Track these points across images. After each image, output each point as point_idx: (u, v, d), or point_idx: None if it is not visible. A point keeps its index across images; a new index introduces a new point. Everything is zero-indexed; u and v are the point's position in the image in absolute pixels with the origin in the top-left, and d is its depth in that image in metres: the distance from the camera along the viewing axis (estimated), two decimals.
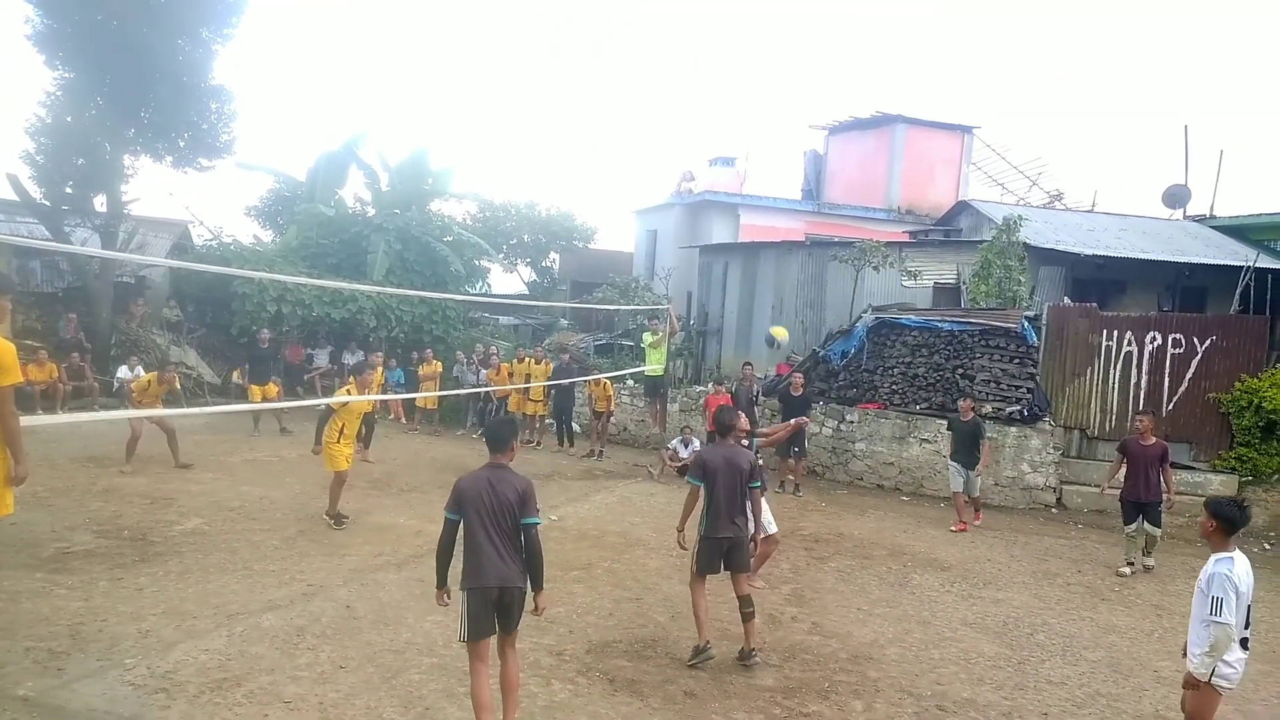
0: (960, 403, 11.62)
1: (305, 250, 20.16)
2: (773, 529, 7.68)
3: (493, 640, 4.81)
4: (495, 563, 4.69)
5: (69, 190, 16.83)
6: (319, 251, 20.18)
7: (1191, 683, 4.73)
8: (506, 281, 33.81)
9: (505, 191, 34.74)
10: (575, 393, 16.00)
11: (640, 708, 5.38)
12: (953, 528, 11.00)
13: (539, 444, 15.71)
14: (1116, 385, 13.19)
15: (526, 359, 16.60)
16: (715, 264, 22.55)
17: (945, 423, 12.10)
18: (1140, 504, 9.43)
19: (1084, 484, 12.92)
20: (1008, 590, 8.58)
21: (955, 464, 11.25)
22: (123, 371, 16.18)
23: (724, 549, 6.13)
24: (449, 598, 4.88)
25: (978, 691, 6.01)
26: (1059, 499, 12.81)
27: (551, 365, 16.23)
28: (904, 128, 25.85)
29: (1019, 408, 12.92)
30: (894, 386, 13.94)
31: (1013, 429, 12.89)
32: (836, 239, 20.79)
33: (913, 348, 13.89)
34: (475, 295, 22.39)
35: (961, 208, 22.51)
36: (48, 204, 16.81)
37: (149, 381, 11.72)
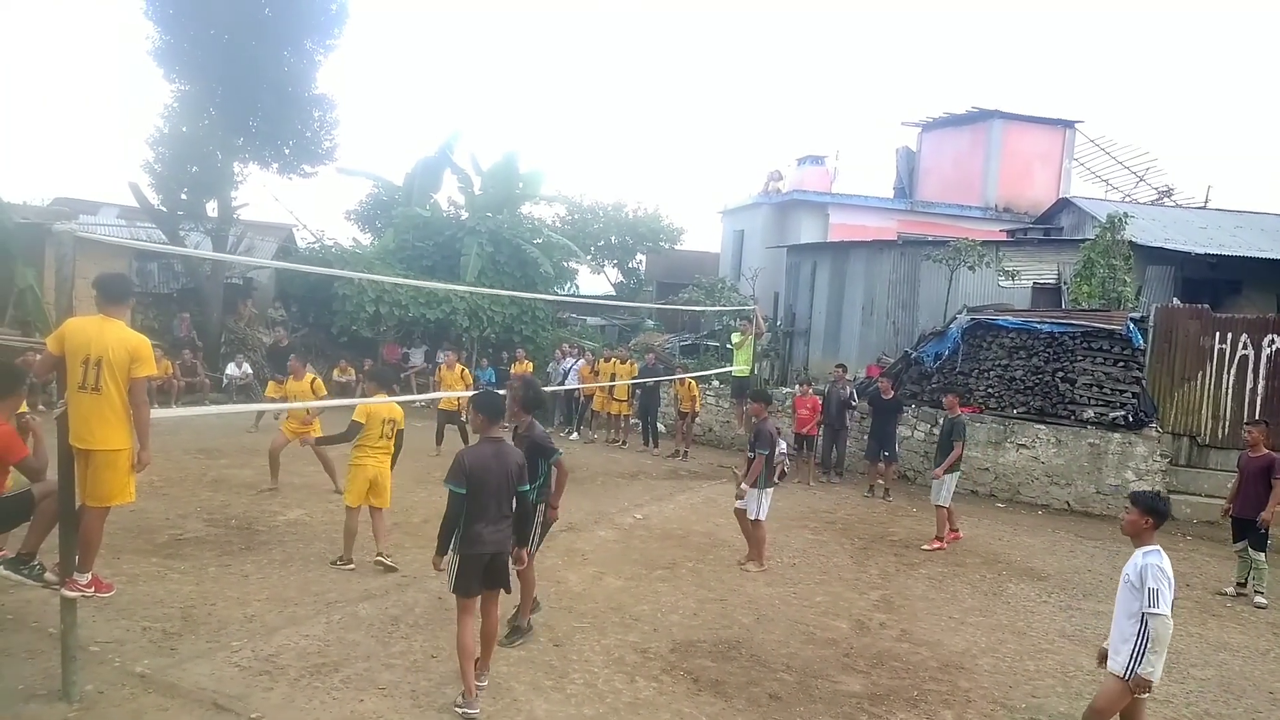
0: (945, 398, 10.76)
1: (402, 252, 20.81)
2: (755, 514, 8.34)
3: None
4: (492, 531, 5.10)
5: (184, 196, 17.78)
6: (415, 254, 20.79)
7: (1141, 685, 4.59)
8: (594, 282, 34.16)
9: (593, 193, 35.07)
10: (660, 393, 16.06)
11: (724, 708, 5.37)
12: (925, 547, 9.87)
13: (624, 443, 15.82)
14: (1230, 391, 12.49)
15: (612, 359, 16.74)
16: (803, 264, 22.31)
17: (1042, 427, 11.60)
18: (1241, 521, 8.80)
19: (1194, 494, 12.29)
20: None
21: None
22: (231, 368, 17.02)
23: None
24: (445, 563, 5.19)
25: (1076, 706, 5.78)
26: None
27: (637, 365, 16.32)
28: (1001, 123, 25.08)
29: (1123, 413, 12.38)
30: (989, 390, 13.53)
31: (1116, 435, 12.36)
32: (930, 238, 20.33)
33: (1010, 350, 13.46)
34: (564, 296, 22.68)
35: (1062, 205, 21.71)
36: (164, 209, 17.80)
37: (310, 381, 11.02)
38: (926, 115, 27.19)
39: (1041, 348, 13.13)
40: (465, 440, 12.85)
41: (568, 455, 12.54)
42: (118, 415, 4.77)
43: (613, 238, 31.84)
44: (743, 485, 8.36)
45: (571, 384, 16.01)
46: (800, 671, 6.02)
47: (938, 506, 9.89)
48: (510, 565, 5.39)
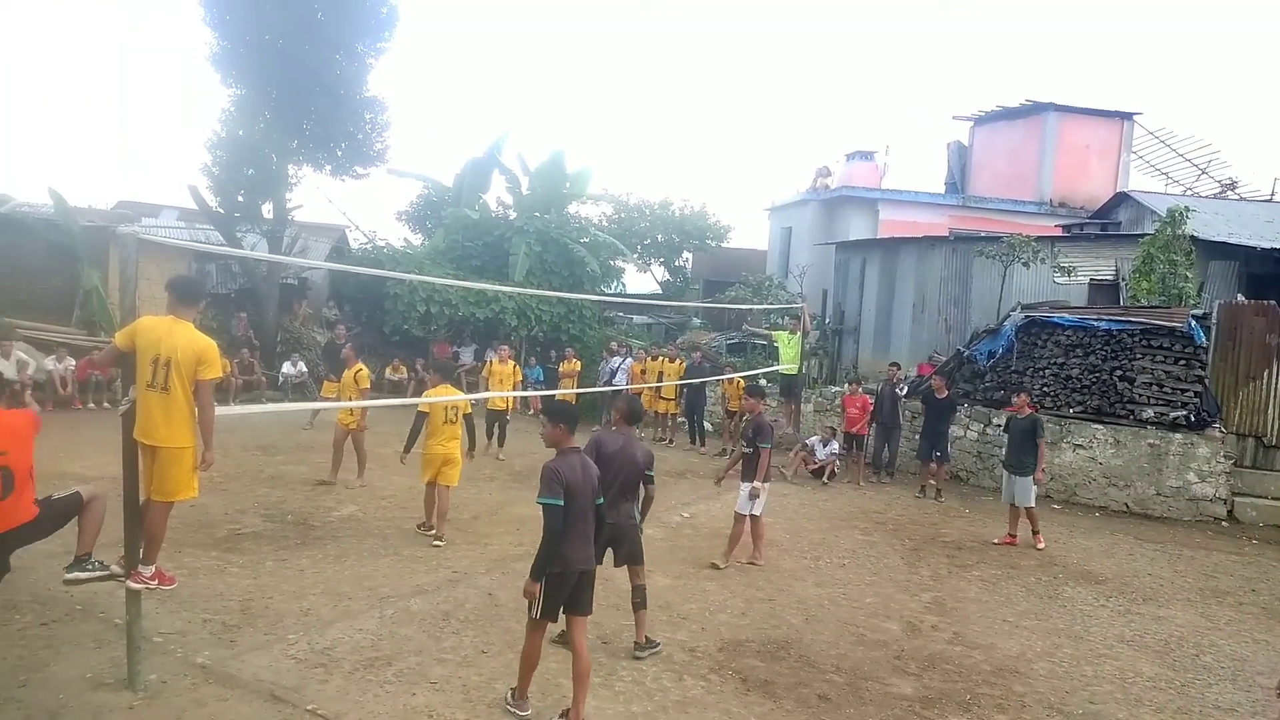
0: (1016, 397, 10.43)
1: (452, 253, 21.07)
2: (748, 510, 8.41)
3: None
4: (583, 547, 4.91)
5: (241, 199, 18.21)
6: (464, 254, 21.04)
7: None
8: (640, 281, 34.22)
9: (640, 192, 35.05)
10: (707, 391, 16.02)
11: (773, 709, 5.35)
12: (998, 542, 9.87)
13: (671, 442, 15.82)
14: None
15: (660, 357, 16.76)
16: (852, 261, 22.09)
17: (1099, 427, 11.31)
18: None
19: (1260, 496, 11.91)
20: (1170, 607, 8.02)
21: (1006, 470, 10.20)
22: (286, 367, 17.40)
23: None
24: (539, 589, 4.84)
25: (1135, 713, 5.66)
26: (1230, 511, 11.84)
27: (684, 364, 16.31)
28: (1056, 116, 24.58)
29: (1184, 413, 12.04)
30: (1045, 388, 13.24)
31: (1177, 435, 12.01)
32: (983, 234, 20.01)
33: (1066, 348, 13.16)
34: (610, 295, 22.76)
35: (1120, 199, 21.17)
36: (222, 212, 18.24)
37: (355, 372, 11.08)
38: (978, 109, 26.77)
39: (1099, 346, 12.82)
40: (499, 440, 13.09)
41: None
42: (183, 414, 4.90)
43: (659, 236, 31.85)
44: (757, 484, 8.22)
45: (620, 382, 16.06)
46: (850, 673, 5.97)
47: (1027, 509, 9.83)
48: (594, 585, 5.11)
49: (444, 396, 8.53)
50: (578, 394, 16.67)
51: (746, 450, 8.41)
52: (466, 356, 19.80)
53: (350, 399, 10.45)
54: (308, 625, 6.06)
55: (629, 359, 16.97)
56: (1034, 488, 9.85)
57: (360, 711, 4.87)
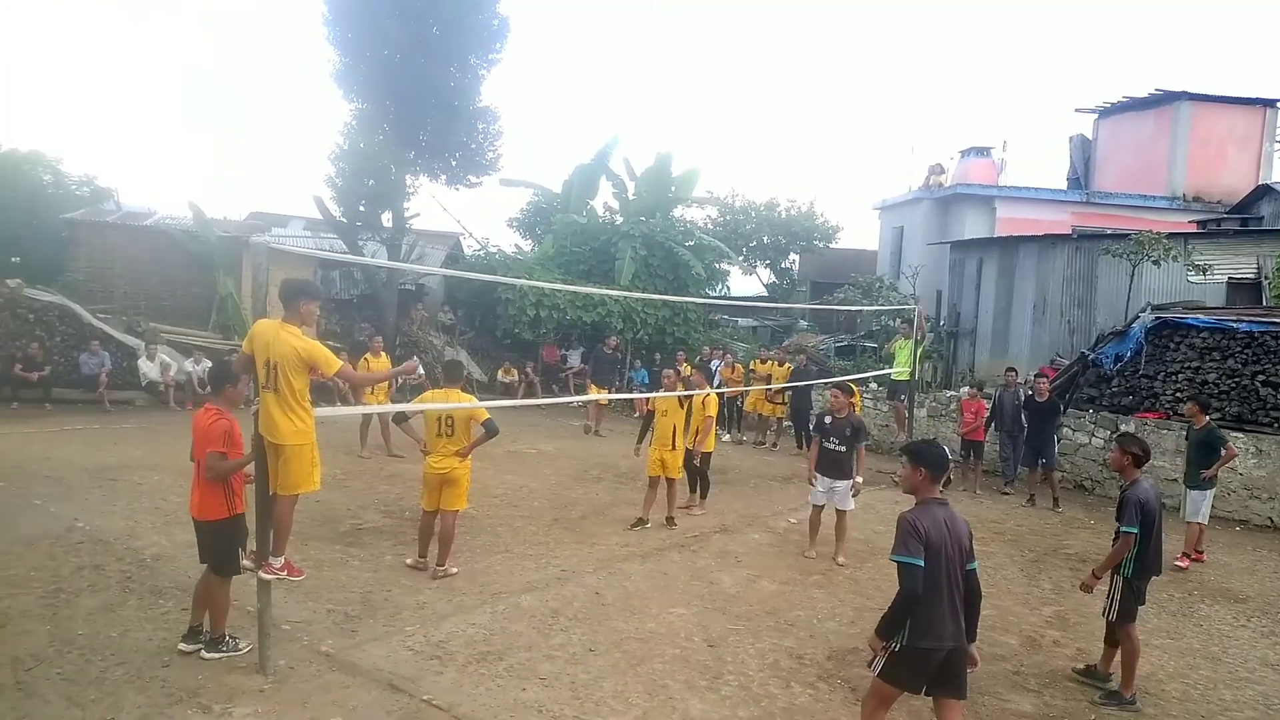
0: (1185, 406, 9.75)
1: (560, 258, 21.47)
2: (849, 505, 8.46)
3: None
4: (950, 618, 4.17)
5: (362, 208, 19.02)
6: (572, 259, 21.39)
7: None
8: (746, 284, 33.99)
9: (746, 193, 34.81)
10: (813, 396, 15.77)
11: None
12: (1178, 561, 9.12)
13: (775, 445, 15.66)
14: None
15: (769, 360, 16.61)
16: (968, 260, 21.37)
17: (1239, 436, 10.56)
18: None
19: None
20: None
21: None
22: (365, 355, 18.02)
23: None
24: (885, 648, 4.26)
25: None
26: None
27: (791, 367, 16.11)
28: (1189, 105, 23.17)
29: None
30: (1178, 394, 12.48)
31: None
32: (1109, 231, 19.05)
33: (1201, 351, 12.38)
34: (715, 298, 22.70)
35: (1263, 192, 19.80)
36: (345, 221, 19.10)
37: (367, 361, 12.41)
38: (1103, 100, 25.52)
39: (1239, 349, 12.00)
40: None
41: (719, 456, 12.55)
42: (295, 412, 5.17)
43: (765, 237, 31.57)
44: (857, 480, 8.52)
45: (717, 385, 16.00)
46: (967, 686, 5.76)
47: (1192, 524, 9.28)
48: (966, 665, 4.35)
49: (438, 404, 7.41)
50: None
51: (838, 448, 8.46)
52: (574, 359, 20.12)
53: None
54: (424, 618, 6.28)
55: (721, 362, 16.86)
56: (1205, 502, 9.20)
57: (472, 704, 5.02)
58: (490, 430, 7.22)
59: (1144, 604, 5.90)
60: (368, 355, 12.66)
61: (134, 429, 12.92)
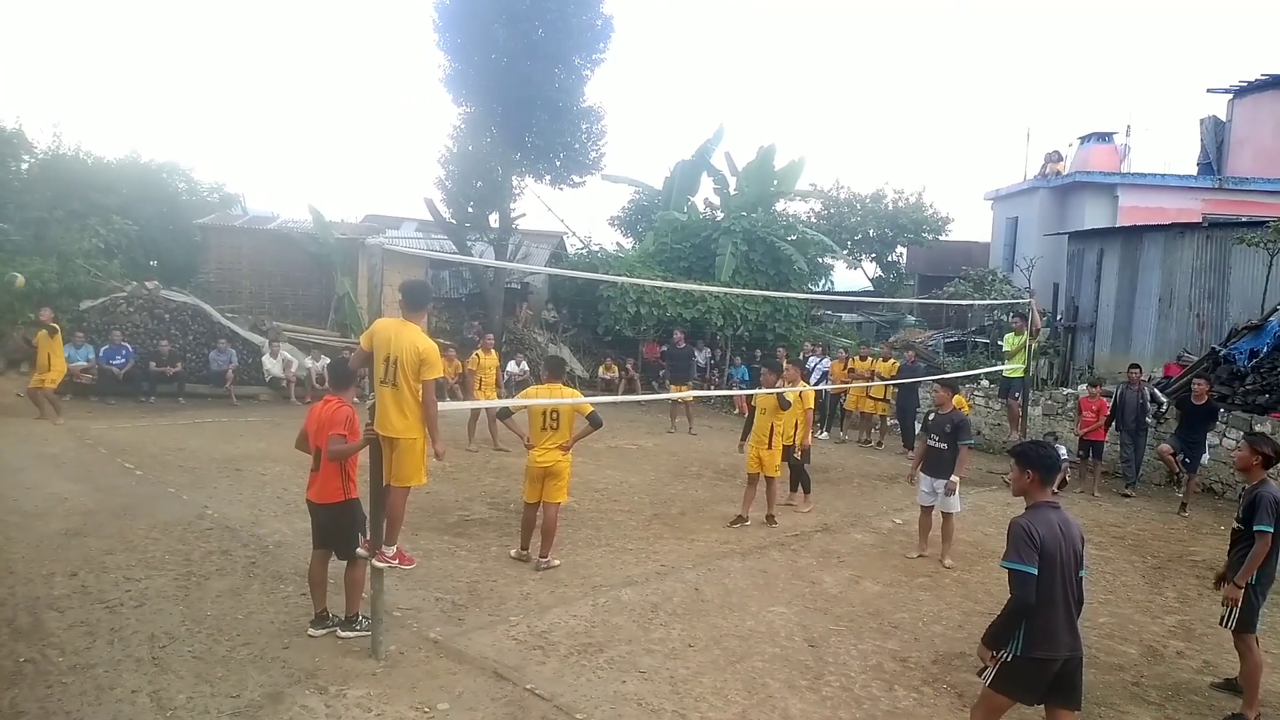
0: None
1: (661, 255, 21.56)
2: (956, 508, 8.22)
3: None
4: (1066, 627, 4.02)
5: (470, 209, 19.56)
6: (672, 256, 21.45)
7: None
8: (850, 278, 33.35)
9: (851, 185, 34.10)
10: (920, 393, 15.35)
11: None
12: None
13: (880, 444, 15.32)
14: None
15: (869, 357, 16.27)
16: (1087, 252, 20.37)
17: None
18: None
19: None
20: None
21: None
22: (510, 366, 18.49)
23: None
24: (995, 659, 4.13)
25: None
26: None
27: (897, 364, 15.73)
28: None
29: None
30: None
31: None
32: (1244, 218, 17.81)
33: None
34: (817, 293, 22.37)
35: None
36: (454, 222, 19.68)
37: (478, 357, 12.92)
38: (1239, 79, 23.82)
39: None
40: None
41: (820, 454, 12.34)
42: (410, 408, 5.37)
43: (871, 230, 30.92)
44: (954, 478, 8.16)
45: (820, 383, 15.76)
46: (1082, 697, 5.52)
47: None
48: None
49: (543, 399, 7.42)
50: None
51: (939, 445, 8.25)
52: (700, 358, 20.04)
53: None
54: (527, 609, 6.43)
55: (827, 359, 16.56)
56: None
57: (574, 694, 5.11)
58: (595, 423, 7.41)
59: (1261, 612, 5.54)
60: (478, 351, 13.03)
61: (258, 422, 13.66)
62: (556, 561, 7.45)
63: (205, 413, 14.26)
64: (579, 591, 6.87)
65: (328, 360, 16.57)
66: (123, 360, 14.76)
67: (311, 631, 5.69)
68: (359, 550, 5.71)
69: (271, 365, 16.21)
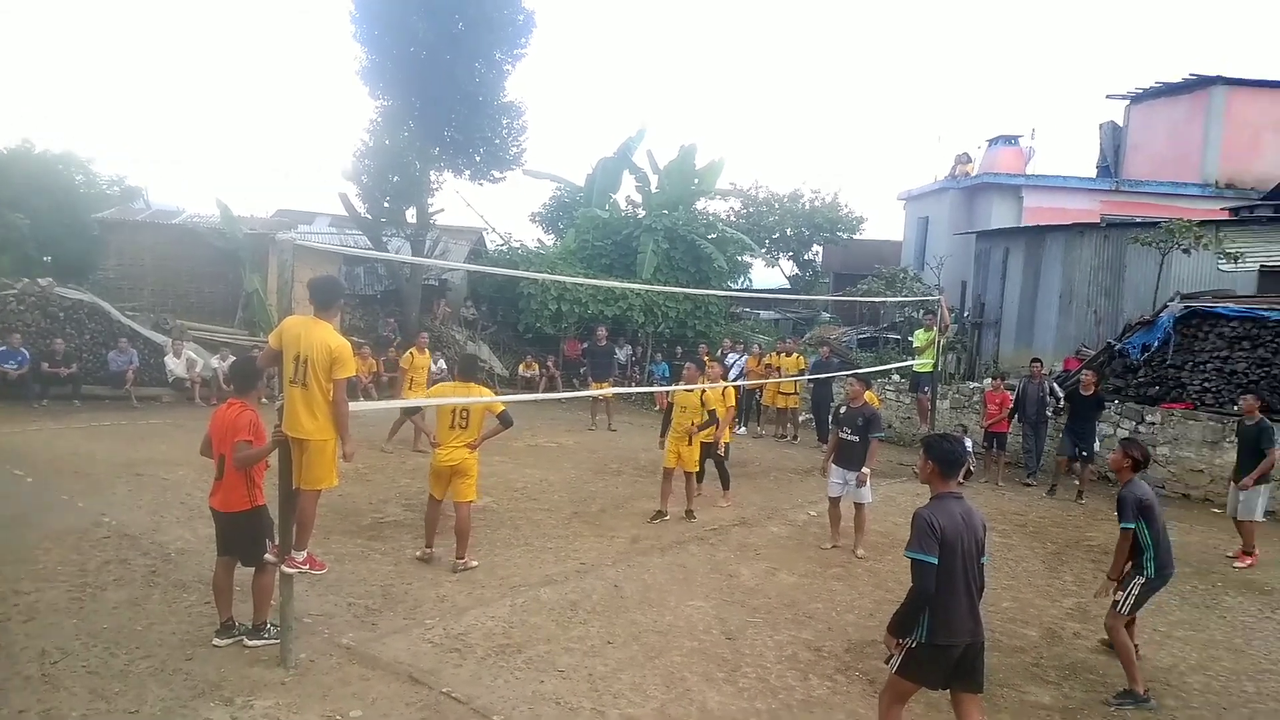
0: (1243, 399, 9.52)
1: (582, 252, 21.50)
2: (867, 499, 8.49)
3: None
4: (967, 614, 4.16)
5: (386, 204, 19.14)
6: (594, 253, 21.42)
7: None
8: (768, 276, 33.86)
9: (769, 185, 34.66)
10: (834, 388, 15.69)
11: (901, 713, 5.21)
12: (1231, 557, 9.08)
13: (795, 438, 15.61)
14: None
15: (778, 353, 16.53)
16: (994, 250, 21.14)
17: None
18: None
19: None
20: None
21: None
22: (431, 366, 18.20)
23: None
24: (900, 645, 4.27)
25: None
26: None
27: (802, 358, 16.03)
28: (1223, 90, 22.72)
29: None
30: (1206, 384, 12.32)
31: None
32: (1138, 219, 18.73)
33: (1230, 340, 12.19)
34: (737, 291, 22.65)
35: None
36: (370, 217, 19.24)
37: (412, 355, 12.46)
38: (1135, 86, 25.06)
39: (1270, 338, 11.81)
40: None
41: (738, 449, 12.53)
42: (321, 409, 5.24)
43: (788, 229, 31.43)
44: (865, 470, 8.44)
45: (738, 379, 15.98)
46: (987, 680, 5.72)
47: (1245, 521, 9.07)
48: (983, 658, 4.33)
49: (452, 398, 7.33)
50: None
51: (851, 438, 8.47)
52: (621, 355, 20.04)
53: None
54: (444, 611, 6.35)
55: (744, 356, 16.80)
56: (1261, 501, 9.00)
57: (491, 696, 5.07)
58: (505, 421, 7.33)
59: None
60: (413, 350, 12.71)
61: (161, 425, 13.13)
62: (474, 563, 7.36)
63: (103, 416, 13.62)
64: (497, 592, 6.82)
65: (235, 360, 16.09)
66: (16, 364, 13.99)
67: (216, 641, 5.51)
68: (267, 556, 5.54)
69: (175, 365, 15.60)
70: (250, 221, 20.23)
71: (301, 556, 5.38)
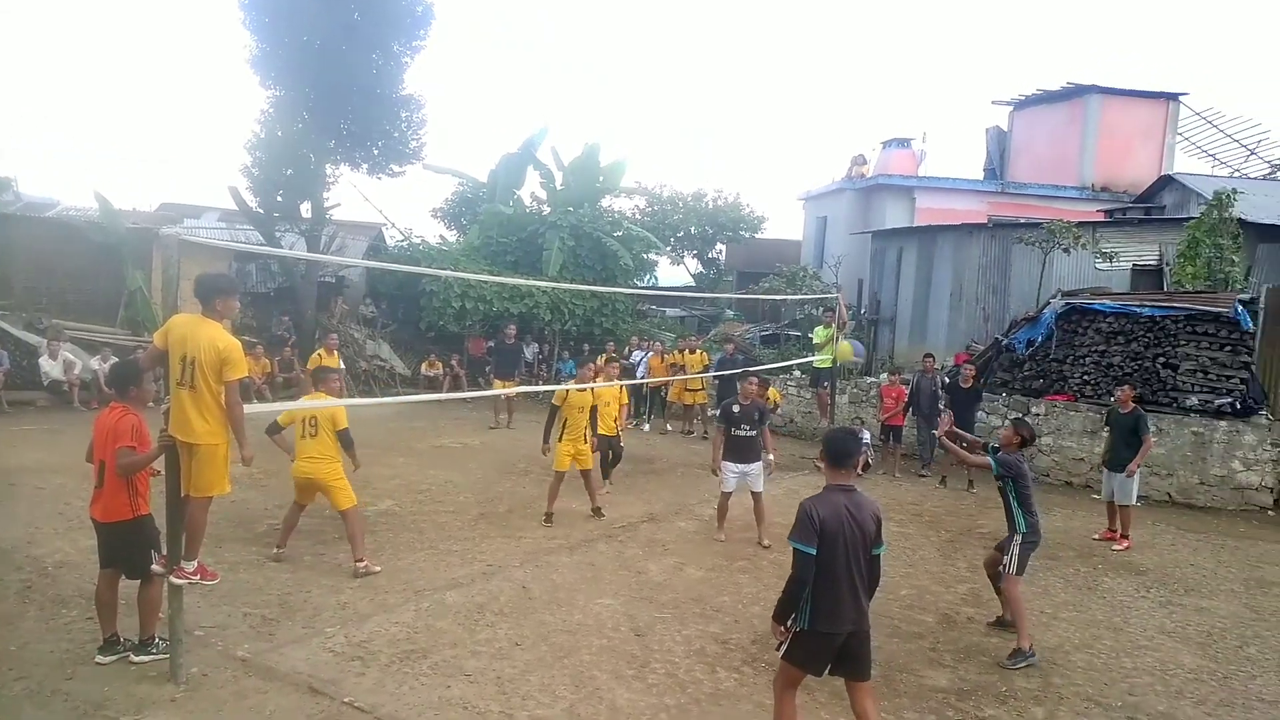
0: (1119, 390, 10.14)
1: (486, 248, 21.21)
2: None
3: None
4: (850, 603, 4.24)
5: (279, 198, 18.45)
6: (499, 249, 21.17)
7: None
8: (674, 274, 34.13)
9: (673, 184, 35.03)
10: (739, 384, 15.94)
11: (806, 701, 5.31)
12: (1098, 539, 9.72)
13: (705, 435, 15.78)
14: None
15: (683, 350, 16.70)
16: (889, 250, 21.85)
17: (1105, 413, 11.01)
18: None
19: None
20: (1213, 598, 7.85)
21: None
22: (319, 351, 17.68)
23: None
24: (786, 631, 4.36)
25: (1176, 705, 5.56)
26: (1277, 500, 11.56)
27: (706, 355, 16.26)
28: (1098, 98, 24.06)
29: (1230, 400, 11.75)
30: (1085, 377, 13.02)
31: (1222, 423, 11.73)
32: (1022, 220, 19.68)
33: (1107, 335, 12.92)
34: (643, 289, 22.76)
35: (1165, 182, 20.69)
36: (262, 212, 18.52)
37: (319, 357, 11.61)
38: (1018, 93, 26.29)
39: (1142, 332, 12.56)
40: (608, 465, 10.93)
41: (645, 446, 12.59)
42: (211, 411, 5.01)
43: (692, 228, 31.74)
44: (769, 458, 8.92)
45: (641, 376, 16.10)
46: (885, 665, 5.92)
47: (1123, 506, 9.58)
48: (870, 647, 4.46)
49: (314, 402, 7.21)
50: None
51: (751, 434, 8.72)
52: (528, 352, 19.77)
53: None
54: (345, 618, 6.17)
55: (649, 353, 16.93)
56: (1135, 487, 9.61)
57: (396, 704, 4.95)
58: (344, 441, 7.21)
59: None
60: (320, 352, 12.09)
61: (34, 431, 12.35)
62: (376, 568, 7.18)
63: None
64: (400, 597, 6.66)
65: (117, 360, 15.25)
66: None
67: (99, 659, 5.21)
68: (154, 567, 5.26)
69: (50, 367, 14.68)
70: (132, 215, 19.19)
71: (191, 567, 5.14)
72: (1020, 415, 10.89)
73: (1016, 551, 6.28)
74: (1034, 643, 6.15)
